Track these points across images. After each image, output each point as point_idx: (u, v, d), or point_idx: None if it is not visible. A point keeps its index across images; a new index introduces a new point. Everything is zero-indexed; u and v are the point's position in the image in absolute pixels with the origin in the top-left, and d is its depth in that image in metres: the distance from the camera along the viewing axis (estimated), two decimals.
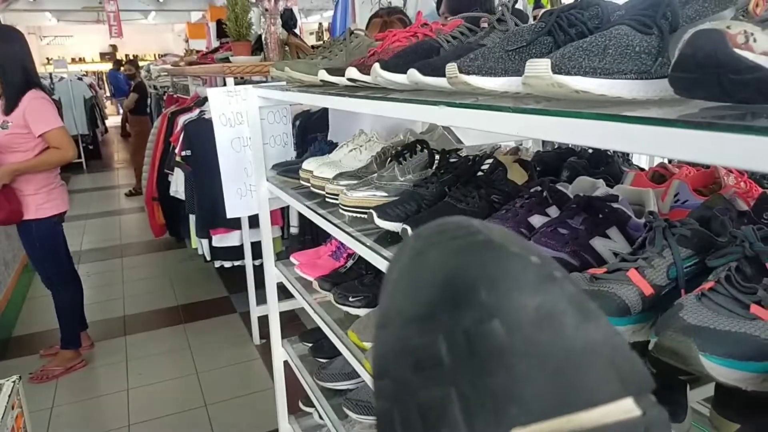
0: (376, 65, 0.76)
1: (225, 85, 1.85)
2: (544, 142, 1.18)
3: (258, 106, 1.23)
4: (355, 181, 0.97)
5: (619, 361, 0.16)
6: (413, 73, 0.68)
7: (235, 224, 2.27)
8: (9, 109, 1.86)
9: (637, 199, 0.66)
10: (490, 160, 0.82)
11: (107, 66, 9.09)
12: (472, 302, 0.16)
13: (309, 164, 1.13)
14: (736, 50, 0.35)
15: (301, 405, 1.48)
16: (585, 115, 0.43)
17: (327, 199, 1.04)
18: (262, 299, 2.23)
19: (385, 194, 0.91)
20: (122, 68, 7.30)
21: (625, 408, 0.16)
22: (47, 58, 10.63)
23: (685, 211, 0.65)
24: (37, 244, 1.99)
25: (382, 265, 0.72)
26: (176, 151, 2.48)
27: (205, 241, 2.44)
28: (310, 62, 1.07)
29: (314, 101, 0.99)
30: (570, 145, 0.94)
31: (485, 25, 0.77)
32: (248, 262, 2.32)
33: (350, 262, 1.16)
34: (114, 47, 9.39)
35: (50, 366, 2.14)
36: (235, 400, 1.97)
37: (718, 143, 0.35)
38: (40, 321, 2.60)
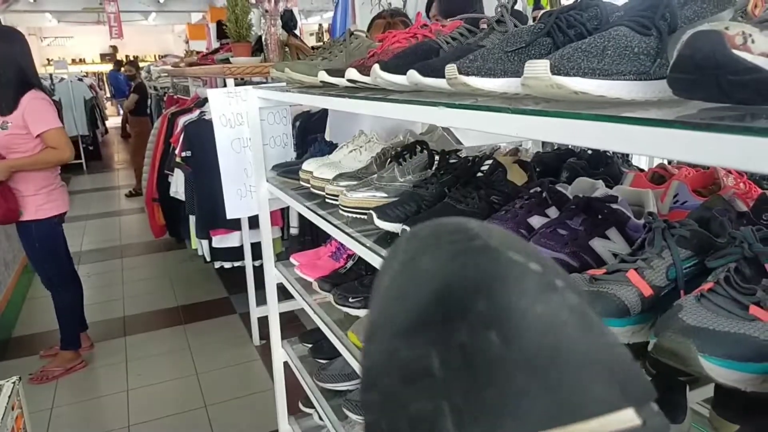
0: (376, 66, 0.76)
1: (225, 86, 1.86)
2: (543, 143, 1.18)
3: (258, 107, 1.23)
4: (355, 182, 0.97)
5: (620, 372, 0.16)
6: (413, 74, 0.68)
7: (235, 225, 2.27)
8: (8, 110, 1.86)
9: (637, 200, 0.66)
10: (489, 161, 0.82)
11: (107, 67, 9.11)
12: (468, 313, 0.15)
13: (309, 165, 1.13)
14: (735, 51, 0.35)
15: (301, 406, 1.48)
16: (584, 116, 0.43)
17: (327, 200, 1.04)
18: (261, 300, 2.23)
19: (385, 195, 0.91)
20: (122, 69, 7.30)
21: (626, 418, 0.15)
22: (48, 59, 10.64)
23: (684, 212, 0.66)
24: (36, 244, 1.99)
25: None
26: (176, 152, 2.48)
27: (205, 242, 2.44)
28: (310, 63, 1.07)
29: (314, 102, 0.99)
30: (569, 146, 0.94)
31: (484, 26, 0.77)
32: (248, 262, 2.32)
33: (350, 263, 1.17)
34: (114, 48, 9.40)
35: (50, 367, 2.14)
36: (234, 400, 1.97)
37: (716, 144, 0.35)
38: (40, 322, 2.60)
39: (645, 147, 0.40)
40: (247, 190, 1.49)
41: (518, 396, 0.15)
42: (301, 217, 2.17)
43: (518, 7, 0.91)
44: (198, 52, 3.78)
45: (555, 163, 0.90)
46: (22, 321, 2.67)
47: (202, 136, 2.27)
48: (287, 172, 1.24)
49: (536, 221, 0.67)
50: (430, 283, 0.16)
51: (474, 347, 0.15)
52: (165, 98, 3.86)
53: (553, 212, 0.67)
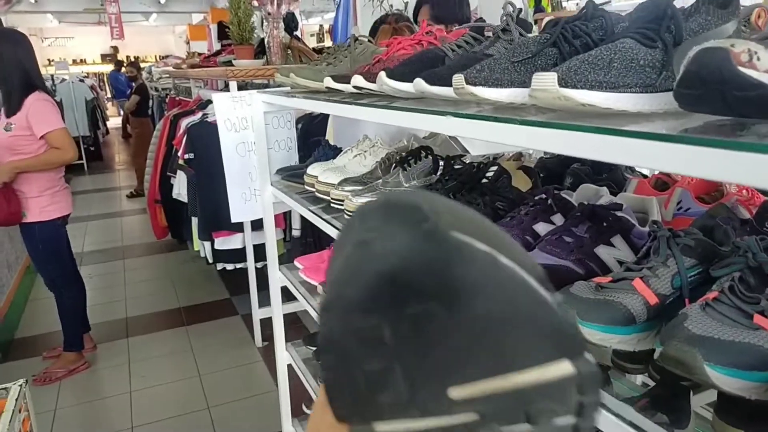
0: (382, 74, 0.77)
1: (225, 86, 1.86)
2: None
3: (263, 112, 1.24)
4: (360, 187, 0.98)
5: (557, 332, 0.17)
6: (419, 82, 0.68)
7: (237, 227, 2.27)
8: (12, 111, 1.87)
9: (641, 207, 0.67)
10: (494, 167, 0.83)
11: (108, 67, 9.12)
12: (416, 291, 0.17)
13: (313, 169, 1.13)
14: (740, 68, 0.36)
15: (304, 408, 1.49)
16: (591, 129, 0.44)
17: (332, 205, 1.04)
18: (263, 302, 2.24)
19: None
20: (123, 69, 7.31)
21: (562, 368, 0.17)
22: (48, 60, 10.65)
23: (688, 218, 0.66)
24: (40, 246, 1.99)
25: None
26: (179, 154, 2.49)
27: (207, 244, 2.45)
28: (315, 69, 1.08)
29: (320, 108, 1.00)
30: None
31: (489, 34, 0.78)
32: (250, 264, 2.33)
33: None
34: (115, 49, 9.40)
35: (53, 368, 2.15)
36: (237, 402, 1.98)
37: (722, 160, 0.35)
38: (43, 323, 2.61)
39: (651, 161, 0.41)
40: (252, 193, 1.49)
41: (462, 355, 0.17)
42: (303, 219, 2.18)
43: (517, 5, 0.92)
44: (200, 54, 3.79)
45: (558, 168, 0.90)
46: (24, 322, 2.68)
47: (204, 138, 2.27)
48: (292, 176, 1.25)
49: (542, 228, 0.68)
50: (382, 265, 0.17)
51: (421, 318, 0.17)
52: (167, 100, 3.86)
53: (558, 219, 0.68)
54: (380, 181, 0.97)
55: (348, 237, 0.19)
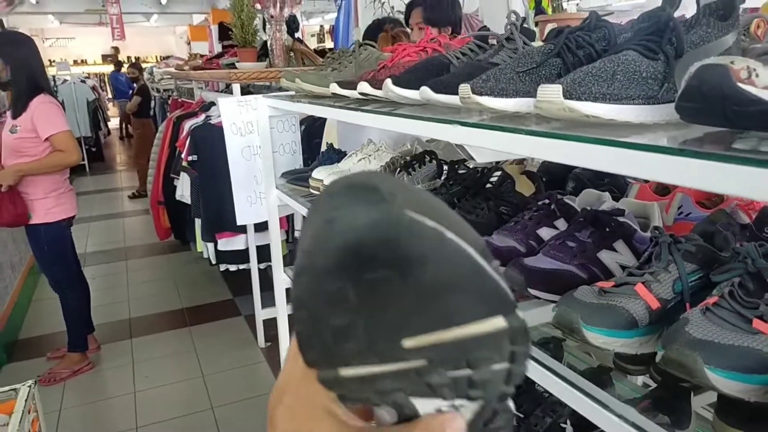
0: (388, 81, 0.79)
1: (227, 88, 1.86)
2: None
3: (268, 116, 1.26)
4: None
5: (492, 294, 0.21)
6: (426, 90, 0.70)
7: (240, 228, 2.29)
8: (17, 113, 1.89)
9: (642, 213, 0.68)
10: (498, 172, 0.84)
11: (109, 68, 9.13)
12: (375, 260, 0.20)
13: (319, 173, 1.15)
14: (740, 84, 0.38)
15: None
16: (597, 141, 0.45)
17: None
18: (266, 302, 2.25)
19: None
20: (123, 69, 7.31)
21: (496, 323, 0.22)
22: (49, 60, 10.66)
23: (688, 223, 0.68)
24: (45, 247, 2.01)
25: None
26: (182, 156, 2.50)
27: (210, 245, 2.46)
28: (320, 74, 1.10)
29: (326, 113, 1.01)
30: None
31: (494, 41, 0.80)
32: (253, 265, 2.35)
33: None
34: (116, 49, 9.42)
35: (57, 369, 2.17)
36: (241, 402, 1.99)
37: (720, 173, 0.37)
38: (46, 323, 2.62)
39: (653, 173, 0.42)
40: (257, 197, 1.51)
41: (413, 312, 0.21)
42: None
43: (519, 10, 0.93)
44: (202, 55, 3.80)
45: (561, 172, 0.92)
46: (28, 323, 2.69)
47: (208, 140, 2.29)
48: (297, 179, 1.27)
49: (545, 233, 0.69)
50: (346, 238, 0.20)
51: (379, 283, 0.21)
52: (170, 101, 3.87)
53: (561, 224, 0.70)
54: None
55: (317, 212, 0.22)
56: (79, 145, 2.07)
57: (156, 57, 10.93)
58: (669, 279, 0.54)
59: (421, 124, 0.67)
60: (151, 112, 4.86)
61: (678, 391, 0.57)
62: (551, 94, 0.49)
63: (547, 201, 0.71)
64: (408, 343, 0.21)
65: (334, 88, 0.96)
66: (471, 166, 0.91)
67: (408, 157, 1.04)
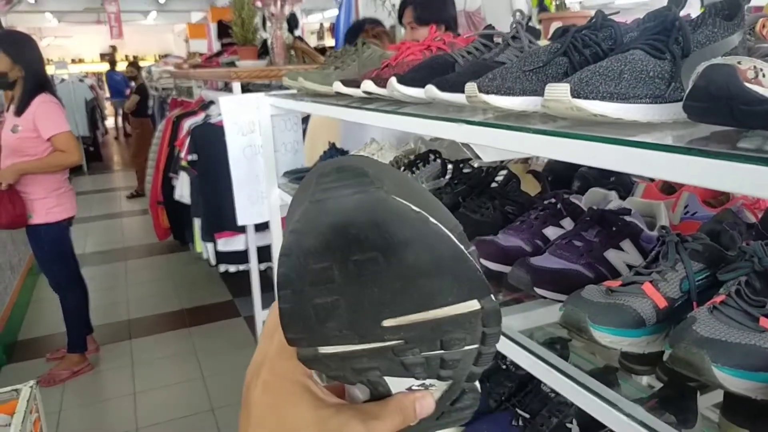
0: (393, 79, 0.78)
1: (225, 87, 1.85)
2: None
3: (270, 115, 1.25)
4: None
5: (469, 278, 0.22)
6: (431, 89, 0.70)
7: (240, 227, 2.28)
8: (19, 111, 1.88)
9: (649, 212, 0.68)
10: (503, 171, 0.84)
11: (107, 66, 9.11)
12: (361, 241, 0.21)
13: None
14: (747, 84, 0.38)
15: None
16: (607, 140, 0.45)
17: None
18: (267, 303, 2.25)
19: None
20: (117, 68, 7.28)
21: (471, 305, 0.23)
22: (48, 59, 10.60)
23: (695, 222, 0.68)
24: (46, 247, 2.00)
25: None
26: (182, 155, 2.50)
27: (210, 246, 2.45)
28: (323, 72, 1.09)
29: (329, 112, 1.01)
30: None
31: (499, 40, 0.79)
32: (254, 266, 2.34)
33: None
34: (114, 48, 9.38)
35: (57, 369, 2.16)
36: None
37: (731, 172, 0.37)
38: (45, 324, 2.61)
39: (662, 172, 0.42)
40: (259, 196, 1.50)
41: (393, 294, 0.22)
42: None
43: (522, 7, 0.93)
44: (201, 54, 3.79)
45: (567, 171, 0.92)
46: (27, 324, 2.68)
47: (207, 139, 2.28)
48: (299, 178, 1.26)
49: (551, 232, 0.69)
50: (335, 218, 0.21)
51: (364, 264, 0.21)
52: (169, 101, 3.86)
53: (567, 223, 0.70)
54: None
55: (305, 192, 0.22)
56: (80, 146, 2.06)
57: (155, 56, 10.89)
58: (676, 278, 0.54)
59: (426, 123, 0.67)
60: (150, 111, 4.84)
61: (684, 391, 0.57)
62: (559, 92, 0.49)
63: (553, 200, 0.71)
64: (387, 322, 0.22)
65: (338, 86, 0.95)
66: (476, 166, 0.91)
67: (412, 156, 1.04)
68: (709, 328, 0.49)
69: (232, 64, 2.27)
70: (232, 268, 2.51)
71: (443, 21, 1.62)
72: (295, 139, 1.48)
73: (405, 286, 0.22)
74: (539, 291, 0.61)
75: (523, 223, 0.71)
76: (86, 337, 2.25)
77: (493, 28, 0.83)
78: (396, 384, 0.25)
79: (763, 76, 0.38)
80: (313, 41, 7.15)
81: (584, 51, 0.60)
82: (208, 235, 2.41)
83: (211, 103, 2.69)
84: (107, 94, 9.40)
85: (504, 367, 0.91)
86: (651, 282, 0.54)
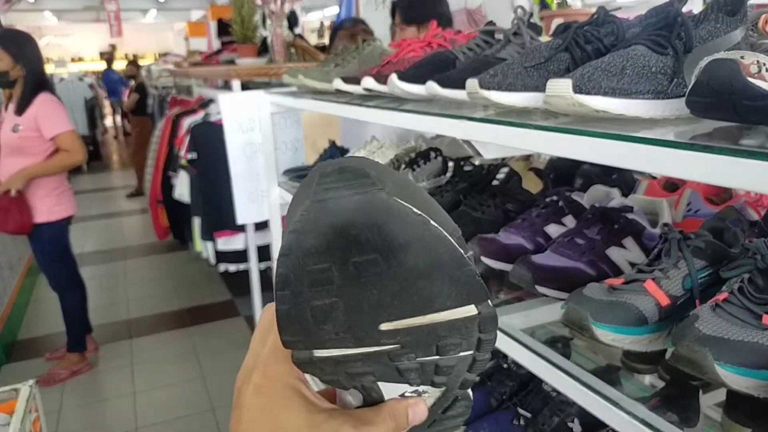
0: (394, 76, 0.78)
1: (225, 85, 1.85)
2: None
3: (270, 113, 1.25)
4: None
5: (467, 283, 0.22)
6: (432, 85, 0.69)
7: (240, 226, 2.27)
8: (20, 110, 1.88)
9: (651, 209, 0.68)
10: (504, 169, 0.84)
11: (105, 65, 9.10)
12: (361, 242, 0.21)
13: None
14: (750, 79, 0.37)
15: None
16: (609, 136, 0.45)
17: None
18: (266, 303, 2.24)
19: None
20: (115, 66, 7.26)
21: (468, 310, 0.22)
22: (47, 58, 10.59)
23: (697, 220, 0.68)
24: (47, 246, 2.00)
25: None
26: (181, 154, 2.49)
27: (210, 245, 2.45)
28: (324, 70, 1.09)
29: (330, 110, 1.01)
30: None
31: (500, 37, 0.79)
32: (253, 265, 2.33)
33: None
34: (113, 46, 9.37)
35: (56, 369, 2.15)
36: None
37: (734, 167, 0.36)
38: (44, 324, 2.61)
39: (665, 167, 0.42)
40: (258, 195, 1.50)
41: (392, 297, 0.22)
42: None
43: (524, 5, 0.93)
44: (200, 52, 3.78)
45: (569, 169, 0.91)
46: (26, 323, 2.68)
47: (207, 138, 2.28)
48: (300, 177, 1.26)
49: (553, 230, 0.69)
50: (335, 219, 0.21)
51: (364, 266, 0.21)
52: (168, 99, 3.85)
53: (569, 221, 0.69)
54: None
55: (306, 193, 0.22)
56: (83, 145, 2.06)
57: (154, 54, 10.87)
58: (678, 275, 0.54)
59: (428, 120, 0.66)
60: (149, 110, 4.84)
61: (687, 389, 0.57)
62: (561, 88, 0.49)
63: (554, 198, 0.71)
64: (385, 326, 0.22)
65: (338, 83, 0.95)
66: (477, 163, 0.91)
67: (413, 154, 1.03)
68: (712, 325, 0.48)
69: (231, 62, 2.27)
70: (232, 268, 2.51)
71: (429, 20, 1.59)
72: (296, 137, 1.47)
73: (404, 289, 0.21)
74: (541, 289, 0.61)
75: (525, 220, 0.71)
76: (86, 337, 2.24)
77: (495, 24, 0.83)
78: (389, 390, 0.24)
79: (767, 71, 0.38)
80: (313, 39, 7.14)
81: (586, 47, 0.60)
82: (208, 234, 2.41)
83: (211, 101, 2.69)
84: (106, 93, 9.40)
85: (505, 366, 0.91)
86: (653, 280, 0.53)
